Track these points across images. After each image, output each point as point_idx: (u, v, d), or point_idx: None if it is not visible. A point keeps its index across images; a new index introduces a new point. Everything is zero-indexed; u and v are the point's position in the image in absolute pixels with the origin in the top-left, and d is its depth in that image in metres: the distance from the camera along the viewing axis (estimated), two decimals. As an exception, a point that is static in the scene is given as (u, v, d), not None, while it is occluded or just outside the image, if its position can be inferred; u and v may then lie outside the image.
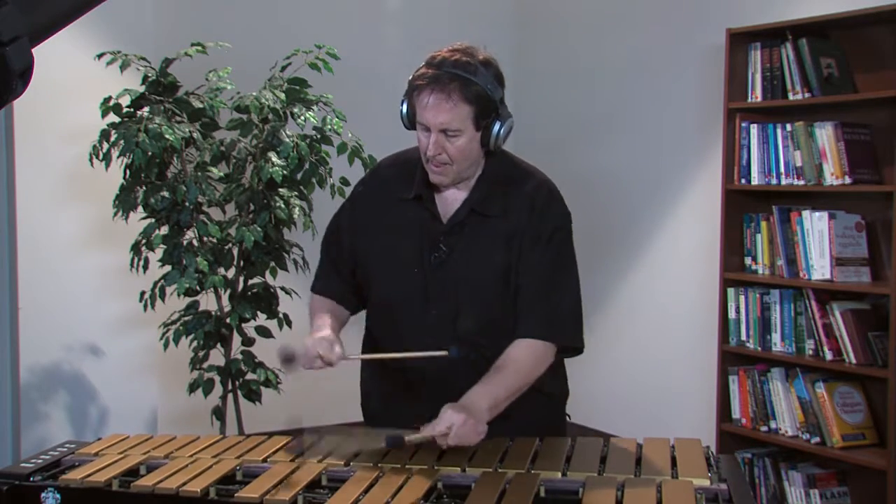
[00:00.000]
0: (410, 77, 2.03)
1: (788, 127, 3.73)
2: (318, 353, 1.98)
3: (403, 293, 2.12)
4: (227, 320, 3.65)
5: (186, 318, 3.69)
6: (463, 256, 2.09)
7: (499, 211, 2.09)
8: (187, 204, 3.52)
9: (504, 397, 1.97)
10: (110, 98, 3.57)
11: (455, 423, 1.85)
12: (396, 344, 2.12)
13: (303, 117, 3.61)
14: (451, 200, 2.12)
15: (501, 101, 2.04)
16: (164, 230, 3.62)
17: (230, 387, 3.76)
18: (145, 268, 3.65)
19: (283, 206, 3.59)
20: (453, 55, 1.99)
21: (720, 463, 1.92)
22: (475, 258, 2.09)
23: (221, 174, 3.69)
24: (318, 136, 3.69)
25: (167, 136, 3.41)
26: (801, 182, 3.69)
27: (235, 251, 3.68)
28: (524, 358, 2.03)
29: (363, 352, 2.26)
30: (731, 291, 3.95)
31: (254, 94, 3.58)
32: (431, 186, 2.11)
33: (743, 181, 3.90)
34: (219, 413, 3.76)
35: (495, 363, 2.02)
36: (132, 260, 3.63)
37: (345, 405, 4.78)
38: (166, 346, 3.67)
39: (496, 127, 2.02)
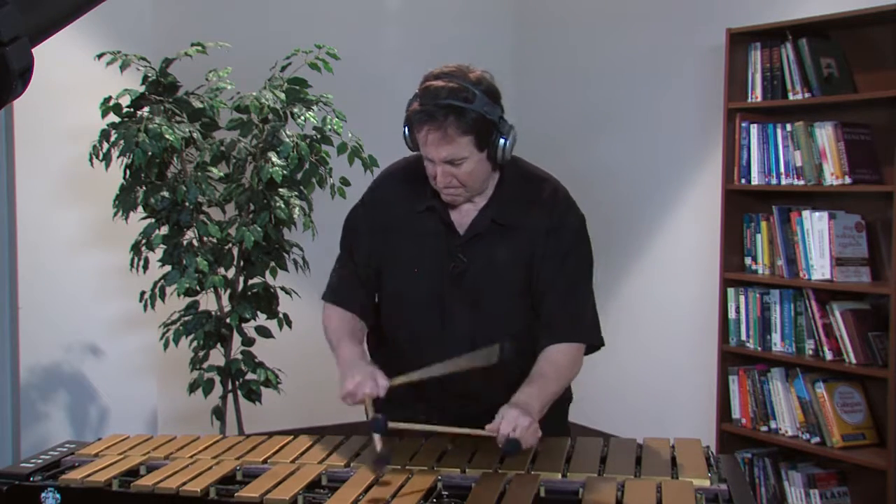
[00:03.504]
0: (407, 107, 2.02)
1: (788, 127, 3.73)
2: (365, 394, 1.95)
3: (420, 304, 2.13)
4: (227, 320, 3.65)
5: (186, 318, 3.69)
6: (482, 266, 2.09)
7: (517, 220, 2.10)
8: (187, 204, 3.52)
9: (549, 400, 2.01)
10: (110, 98, 3.57)
11: (521, 425, 1.84)
12: (415, 352, 2.11)
13: (303, 117, 3.61)
14: (465, 211, 2.11)
15: (500, 117, 2.02)
16: (164, 230, 3.62)
17: (230, 387, 3.76)
18: (145, 268, 3.65)
19: (283, 206, 3.59)
20: (446, 84, 1.96)
21: (720, 463, 1.92)
22: (495, 268, 2.09)
23: (221, 174, 3.69)
24: (318, 136, 3.69)
25: (167, 136, 3.41)
26: (801, 182, 3.69)
27: (235, 251, 3.68)
28: (561, 361, 2.06)
29: (370, 348, 2.24)
30: (731, 291, 3.95)
31: (254, 94, 3.57)
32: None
33: (743, 181, 3.90)
34: (219, 413, 3.76)
35: (535, 369, 2.03)
36: (132, 260, 3.63)
37: (344, 406, 4.79)
38: (166, 346, 3.67)
39: (501, 142, 2.02)
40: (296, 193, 3.67)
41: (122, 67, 3.55)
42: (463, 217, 2.11)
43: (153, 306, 3.66)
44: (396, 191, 2.18)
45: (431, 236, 2.12)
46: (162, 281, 3.61)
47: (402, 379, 2.00)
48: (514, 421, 1.85)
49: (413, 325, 2.15)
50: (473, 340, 2.06)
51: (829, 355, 3.58)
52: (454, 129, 1.95)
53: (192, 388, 3.71)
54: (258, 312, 3.70)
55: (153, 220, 3.59)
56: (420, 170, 2.12)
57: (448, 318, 2.11)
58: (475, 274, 2.09)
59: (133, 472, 1.94)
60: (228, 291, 3.71)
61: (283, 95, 3.60)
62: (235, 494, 1.77)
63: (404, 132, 2.05)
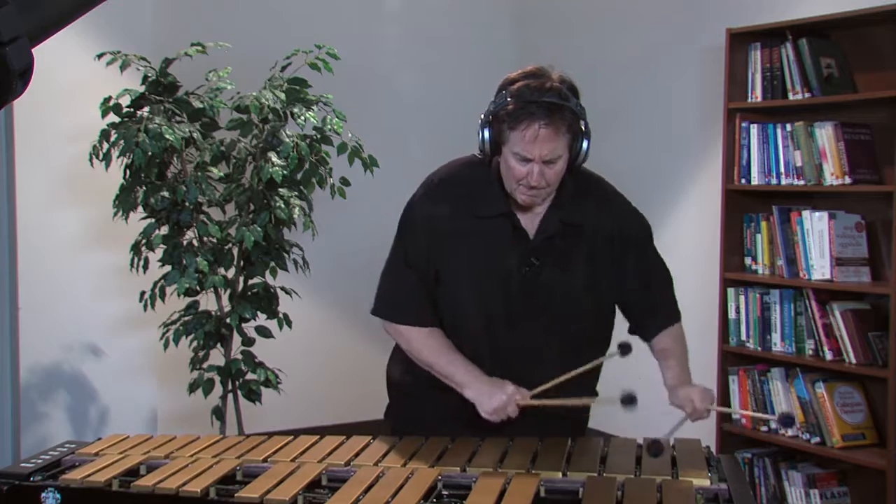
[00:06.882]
0: (493, 109, 2.01)
1: (788, 127, 3.73)
2: (516, 402, 2.03)
3: (488, 309, 2.11)
4: (227, 320, 3.65)
5: (186, 318, 3.69)
6: (554, 267, 2.10)
7: (581, 219, 2.12)
8: (187, 204, 3.52)
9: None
10: (110, 98, 3.57)
11: (707, 399, 2.09)
12: (484, 355, 2.11)
13: (303, 117, 3.61)
14: (532, 214, 2.11)
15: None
16: (164, 230, 3.62)
17: (230, 387, 3.76)
18: (145, 268, 3.65)
19: (283, 206, 3.59)
20: (544, 83, 1.99)
21: (720, 463, 1.93)
22: (567, 267, 2.11)
23: (221, 174, 3.69)
24: (318, 136, 3.69)
25: (167, 136, 3.41)
26: (801, 182, 3.69)
27: (235, 251, 3.68)
28: (678, 335, 2.31)
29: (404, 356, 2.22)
30: (731, 291, 3.95)
31: (254, 94, 3.58)
32: (515, 203, 2.09)
33: (743, 181, 3.90)
34: (219, 413, 3.76)
35: (664, 350, 2.28)
36: (132, 260, 3.63)
37: (344, 406, 4.80)
38: (166, 346, 3.67)
39: (585, 145, 2.04)
40: (296, 193, 3.67)
41: (122, 67, 3.55)
42: (528, 220, 2.11)
43: (153, 306, 3.66)
44: (455, 195, 2.13)
45: (500, 240, 2.10)
46: (162, 281, 3.61)
47: (540, 389, 2.06)
48: (700, 395, 2.09)
49: (481, 329, 2.12)
50: (546, 341, 2.08)
51: (829, 355, 3.58)
52: (563, 125, 1.97)
53: (192, 388, 3.71)
54: (258, 312, 3.70)
55: (153, 220, 3.59)
56: (476, 176, 2.11)
57: (520, 320, 2.10)
58: (548, 275, 2.09)
59: (133, 472, 1.94)
60: (228, 291, 3.71)
61: (283, 95, 3.60)
62: (235, 494, 1.77)
63: (482, 134, 2.03)
